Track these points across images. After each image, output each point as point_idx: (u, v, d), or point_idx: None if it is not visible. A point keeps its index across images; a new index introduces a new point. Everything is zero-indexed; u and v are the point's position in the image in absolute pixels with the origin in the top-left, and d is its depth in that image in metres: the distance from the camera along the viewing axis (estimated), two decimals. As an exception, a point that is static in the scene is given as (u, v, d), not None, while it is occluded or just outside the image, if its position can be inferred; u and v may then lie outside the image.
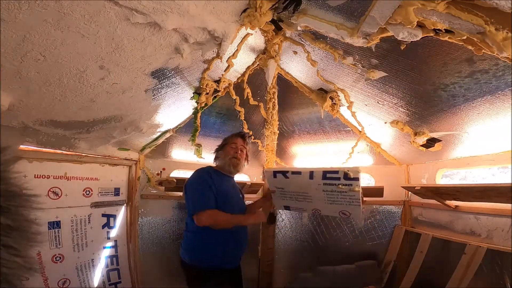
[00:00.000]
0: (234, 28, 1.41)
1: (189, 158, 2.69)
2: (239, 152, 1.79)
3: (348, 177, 1.51)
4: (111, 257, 2.25)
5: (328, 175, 1.57)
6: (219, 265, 1.59)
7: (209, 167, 1.77)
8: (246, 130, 2.54)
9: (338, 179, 1.54)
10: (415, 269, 2.09)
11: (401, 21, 1.07)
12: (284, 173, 1.67)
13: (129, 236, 2.36)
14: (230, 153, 1.77)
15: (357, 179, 1.50)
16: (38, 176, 1.79)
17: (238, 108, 2.32)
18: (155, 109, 1.88)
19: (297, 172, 1.65)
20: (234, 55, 1.74)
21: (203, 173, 1.68)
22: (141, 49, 1.27)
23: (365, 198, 2.40)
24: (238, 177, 2.17)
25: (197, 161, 2.66)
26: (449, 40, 1.08)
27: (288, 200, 1.81)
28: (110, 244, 2.24)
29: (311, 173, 1.60)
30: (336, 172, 1.53)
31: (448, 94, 1.50)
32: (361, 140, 2.38)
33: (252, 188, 2.78)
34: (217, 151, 1.86)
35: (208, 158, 2.55)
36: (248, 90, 2.18)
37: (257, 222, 1.69)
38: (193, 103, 2.08)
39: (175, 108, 2.03)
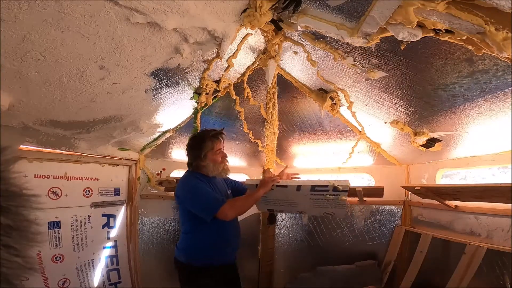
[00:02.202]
0: (234, 28, 1.41)
1: (189, 158, 2.68)
2: (225, 155, 1.74)
3: (337, 190, 1.56)
4: (111, 257, 2.25)
5: (317, 188, 1.61)
6: (213, 262, 1.62)
7: (191, 171, 1.72)
8: (246, 131, 2.54)
9: (327, 191, 1.59)
10: (415, 269, 2.09)
11: (401, 21, 1.07)
12: None
13: (129, 236, 2.36)
14: (218, 161, 1.70)
15: (346, 190, 1.56)
16: (38, 176, 1.79)
17: (238, 108, 2.32)
18: (155, 109, 1.87)
19: (283, 186, 1.68)
20: (234, 55, 1.74)
21: (192, 178, 1.65)
22: (141, 49, 1.27)
23: (365, 198, 2.41)
24: (238, 178, 2.17)
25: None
26: (449, 40, 1.08)
27: (271, 205, 1.84)
28: (110, 244, 2.24)
29: (298, 187, 1.64)
30: (326, 185, 1.57)
31: (448, 94, 1.50)
32: (361, 140, 2.38)
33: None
34: (194, 160, 1.68)
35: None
36: (248, 90, 2.18)
37: (266, 190, 1.62)
38: (193, 103, 2.08)
39: (175, 108, 2.03)
